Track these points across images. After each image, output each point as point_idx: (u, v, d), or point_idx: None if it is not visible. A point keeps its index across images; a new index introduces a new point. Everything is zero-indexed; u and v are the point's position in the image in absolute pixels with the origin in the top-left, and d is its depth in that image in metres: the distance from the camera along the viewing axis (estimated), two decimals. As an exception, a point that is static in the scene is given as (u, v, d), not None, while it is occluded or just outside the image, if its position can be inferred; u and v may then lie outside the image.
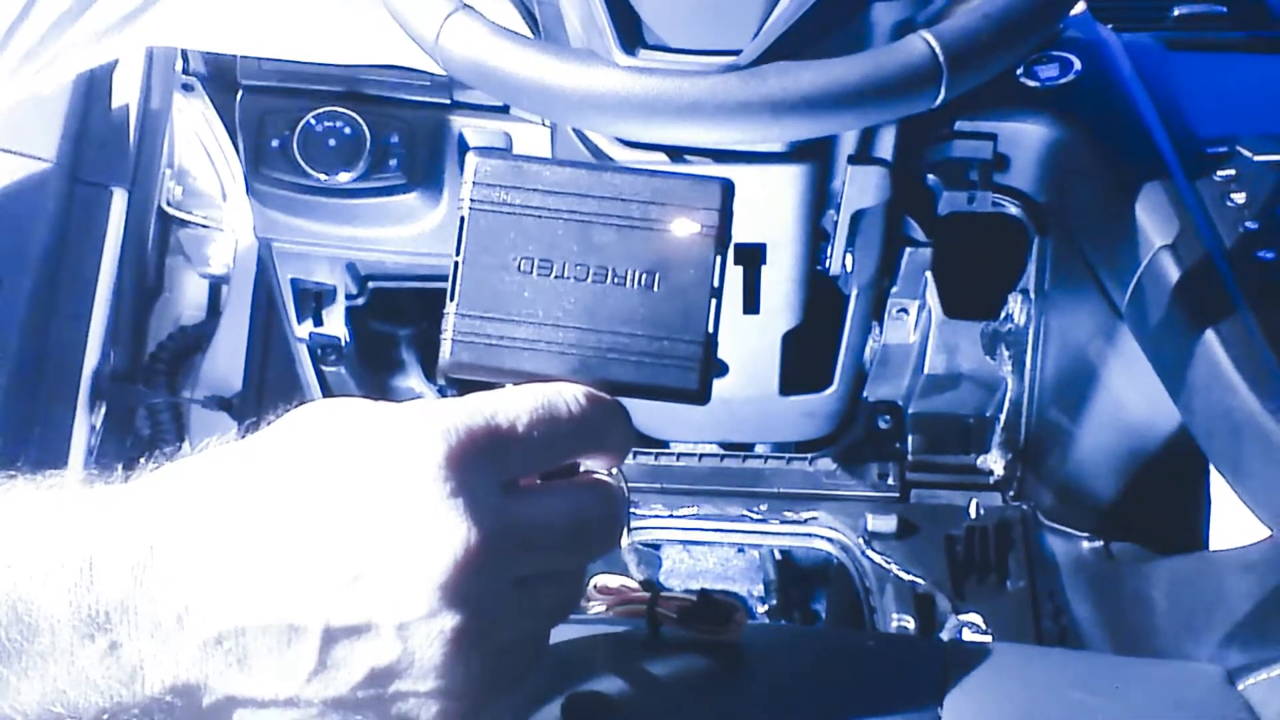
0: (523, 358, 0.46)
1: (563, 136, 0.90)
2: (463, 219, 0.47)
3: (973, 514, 1.22)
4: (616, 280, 0.46)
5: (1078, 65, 0.94)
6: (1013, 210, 1.03)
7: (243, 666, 0.41)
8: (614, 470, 0.48)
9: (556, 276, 0.46)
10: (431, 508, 0.40)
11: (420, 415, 0.42)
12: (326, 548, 0.40)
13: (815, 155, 0.83)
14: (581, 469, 0.48)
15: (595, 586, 0.64)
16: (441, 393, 1.31)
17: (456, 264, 0.47)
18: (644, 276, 0.46)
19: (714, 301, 0.46)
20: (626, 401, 0.47)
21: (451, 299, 0.46)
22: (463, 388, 0.44)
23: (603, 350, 0.46)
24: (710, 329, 0.46)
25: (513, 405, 0.43)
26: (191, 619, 0.40)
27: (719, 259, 0.46)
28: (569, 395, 0.45)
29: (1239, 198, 0.81)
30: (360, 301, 1.19)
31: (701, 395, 0.47)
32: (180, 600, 0.40)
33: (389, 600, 0.40)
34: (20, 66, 1.00)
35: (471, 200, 0.47)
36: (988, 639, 1.11)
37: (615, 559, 1.25)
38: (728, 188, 0.47)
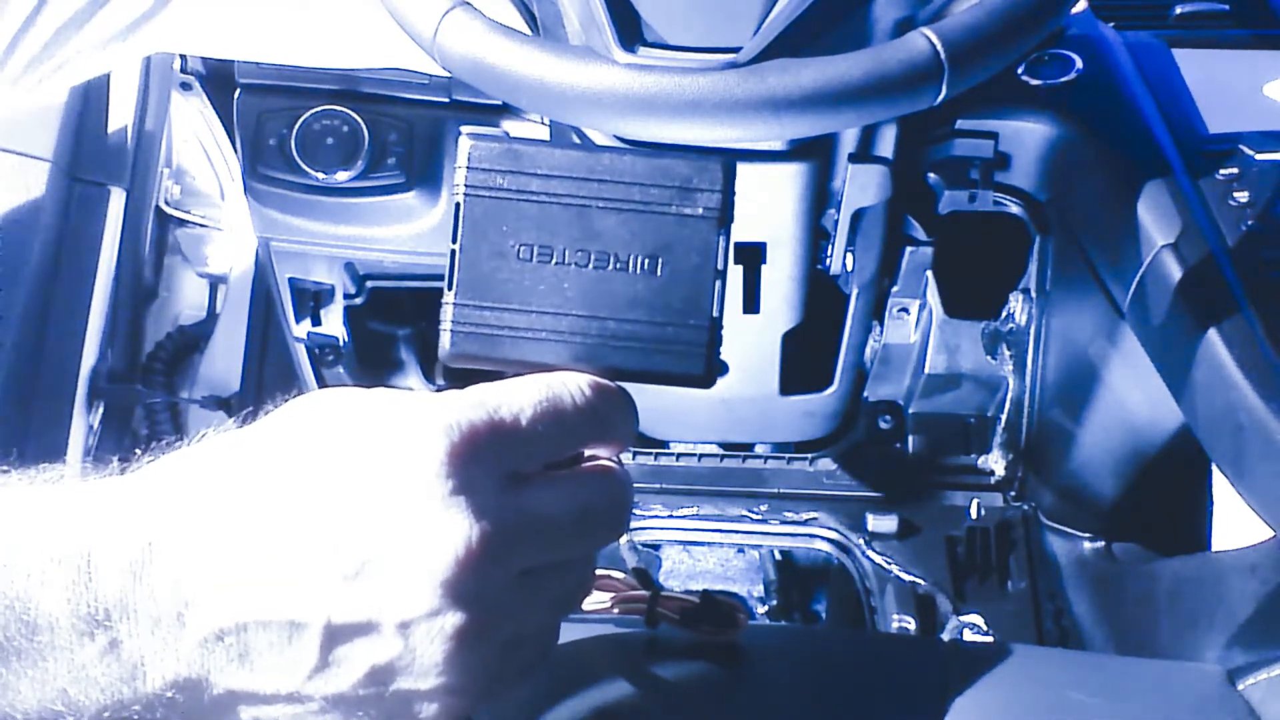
0: (524, 347, 0.45)
1: (562, 135, 0.90)
2: (458, 205, 0.45)
3: (974, 514, 1.21)
4: (618, 265, 0.45)
5: (1079, 63, 0.94)
6: (1014, 209, 1.03)
7: (244, 662, 0.40)
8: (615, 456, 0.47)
9: (556, 263, 0.45)
10: (433, 505, 0.40)
11: (422, 409, 0.41)
12: (328, 544, 0.40)
13: (815, 154, 0.83)
14: (585, 455, 0.47)
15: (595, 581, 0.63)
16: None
17: (453, 252, 0.45)
18: (646, 260, 0.45)
19: (718, 284, 0.46)
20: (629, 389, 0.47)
21: (450, 288, 0.45)
22: (464, 379, 0.44)
23: (606, 337, 0.45)
24: (715, 312, 0.46)
25: (516, 398, 0.43)
26: (192, 615, 0.40)
27: (722, 240, 0.46)
28: (574, 386, 0.44)
29: (1241, 196, 0.81)
30: (359, 301, 1.19)
31: (708, 380, 0.46)
32: (180, 597, 0.40)
33: (391, 598, 0.40)
34: (24, 74, 0.99)
35: (466, 186, 0.45)
36: (989, 640, 1.11)
37: (614, 557, 1.25)
38: (729, 167, 0.46)
